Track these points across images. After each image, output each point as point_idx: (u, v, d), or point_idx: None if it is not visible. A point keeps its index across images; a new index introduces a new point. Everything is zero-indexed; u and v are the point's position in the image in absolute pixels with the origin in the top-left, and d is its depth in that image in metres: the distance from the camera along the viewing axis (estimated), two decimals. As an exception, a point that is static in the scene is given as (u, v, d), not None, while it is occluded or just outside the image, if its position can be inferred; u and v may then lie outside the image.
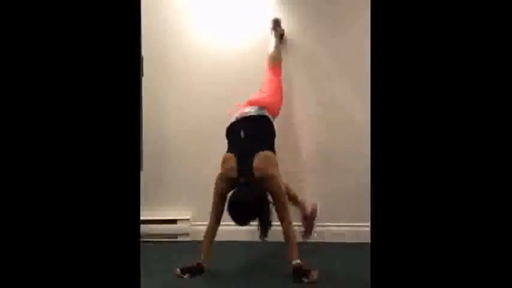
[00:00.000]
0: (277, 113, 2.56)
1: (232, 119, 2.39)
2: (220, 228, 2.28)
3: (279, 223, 2.19)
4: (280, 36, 2.90)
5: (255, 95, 2.55)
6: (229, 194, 2.18)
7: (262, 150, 2.22)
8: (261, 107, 2.40)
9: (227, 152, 2.28)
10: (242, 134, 2.28)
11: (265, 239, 2.24)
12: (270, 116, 2.42)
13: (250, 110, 2.38)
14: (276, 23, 2.90)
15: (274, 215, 2.20)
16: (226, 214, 2.17)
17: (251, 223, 2.19)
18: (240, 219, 2.12)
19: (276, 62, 2.74)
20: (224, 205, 2.21)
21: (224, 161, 2.25)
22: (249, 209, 2.11)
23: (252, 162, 2.16)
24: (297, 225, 2.25)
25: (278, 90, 2.63)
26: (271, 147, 2.32)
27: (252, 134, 2.29)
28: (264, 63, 2.73)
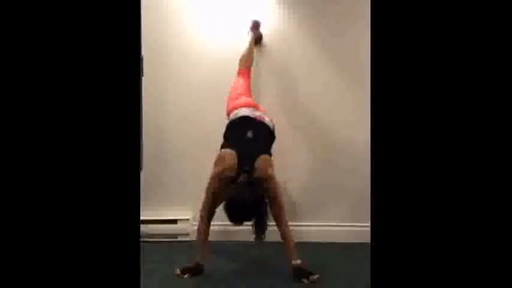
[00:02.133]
0: None
1: (249, 113, 2.39)
2: (220, 228, 2.28)
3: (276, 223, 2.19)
4: (257, 39, 2.91)
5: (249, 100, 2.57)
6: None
7: (264, 153, 2.24)
8: (273, 125, 2.47)
9: (225, 148, 2.25)
10: (250, 134, 2.28)
11: (261, 240, 2.23)
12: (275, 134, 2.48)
13: (265, 117, 2.42)
14: (255, 26, 2.90)
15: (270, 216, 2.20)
16: (225, 214, 2.16)
17: (246, 223, 2.19)
18: (237, 218, 2.11)
19: (244, 65, 2.74)
20: (217, 205, 2.20)
21: (222, 159, 2.20)
22: (247, 209, 2.10)
23: (255, 162, 2.16)
24: (292, 225, 2.24)
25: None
26: (269, 151, 2.34)
27: (259, 137, 2.30)
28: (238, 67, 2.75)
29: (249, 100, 2.55)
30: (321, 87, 2.94)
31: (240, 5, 2.99)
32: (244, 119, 2.37)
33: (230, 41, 2.96)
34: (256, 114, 2.41)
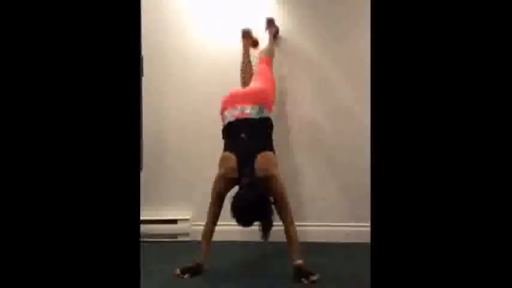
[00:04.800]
0: (272, 107, 2.54)
1: (231, 118, 2.35)
2: (220, 228, 2.28)
3: (279, 223, 2.19)
4: (274, 34, 2.93)
5: (252, 85, 2.55)
6: (230, 195, 2.17)
7: (263, 150, 2.21)
8: (261, 106, 2.36)
9: (225, 151, 2.27)
10: (243, 134, 2.26)
11: (267, 239, 2.23)
12: (270, 117, 2.41)
13: (252, 111, 2.33)
14: (270, 23, 2.93)
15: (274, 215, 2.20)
16: (225, 214, 2.16)
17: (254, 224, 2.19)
18: (244, 220, 2.11)
19: (268, 54, 2.78)
20: (222, 205, 2.21)
21: (223, 161, 2.23)
22: (253, 210, 2.09)
23: (253, 163, 2.16)
24: (298, 225, 2.24)
25: (273, 82, 2.65)
26: (270, 147, 2.31)
27: (252, 135, 2.27)
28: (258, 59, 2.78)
29: (236, 90, 2.53)
30: (321, 86, 2.94)
31: (240, 6, 2.99)
32: (231, 123, 2.34)
33: (230, 41, 2.97)
34: (235, 113, 2.33)
